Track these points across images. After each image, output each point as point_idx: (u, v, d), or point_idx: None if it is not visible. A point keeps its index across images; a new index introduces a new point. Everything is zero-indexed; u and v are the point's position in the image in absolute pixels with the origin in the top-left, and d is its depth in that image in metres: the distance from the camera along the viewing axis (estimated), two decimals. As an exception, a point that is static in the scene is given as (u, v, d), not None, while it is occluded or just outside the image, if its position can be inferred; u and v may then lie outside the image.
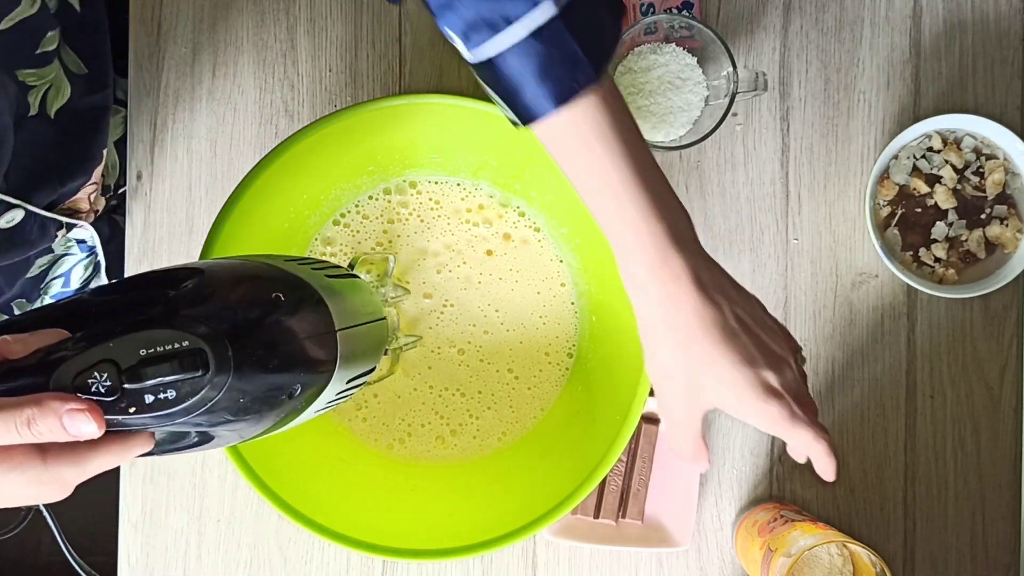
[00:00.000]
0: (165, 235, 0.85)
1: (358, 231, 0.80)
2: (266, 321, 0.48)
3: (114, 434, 0.45)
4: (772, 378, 0.56)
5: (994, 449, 0.84)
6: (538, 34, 0.50)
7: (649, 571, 0.84)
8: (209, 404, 0.45)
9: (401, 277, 0.80)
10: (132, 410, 0.44)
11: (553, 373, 0.81)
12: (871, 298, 0.85)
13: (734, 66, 0.77)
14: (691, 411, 0.58)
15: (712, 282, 0.55)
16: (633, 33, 0.80)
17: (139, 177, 0.86)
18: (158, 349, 0.44)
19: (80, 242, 0.84)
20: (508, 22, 0.50)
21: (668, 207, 0.54)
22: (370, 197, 0.80)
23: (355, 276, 0.63)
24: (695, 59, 0.81)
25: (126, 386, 0.43)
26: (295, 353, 0.50)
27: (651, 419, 0.84)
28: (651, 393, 0.72)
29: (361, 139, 0.74)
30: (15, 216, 0.72)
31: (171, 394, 0.44)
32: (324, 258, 0.67)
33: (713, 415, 0.84)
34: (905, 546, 0.84)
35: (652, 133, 0.81)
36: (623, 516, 0.83)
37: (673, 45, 0.81)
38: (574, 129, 0.53)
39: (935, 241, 0.84)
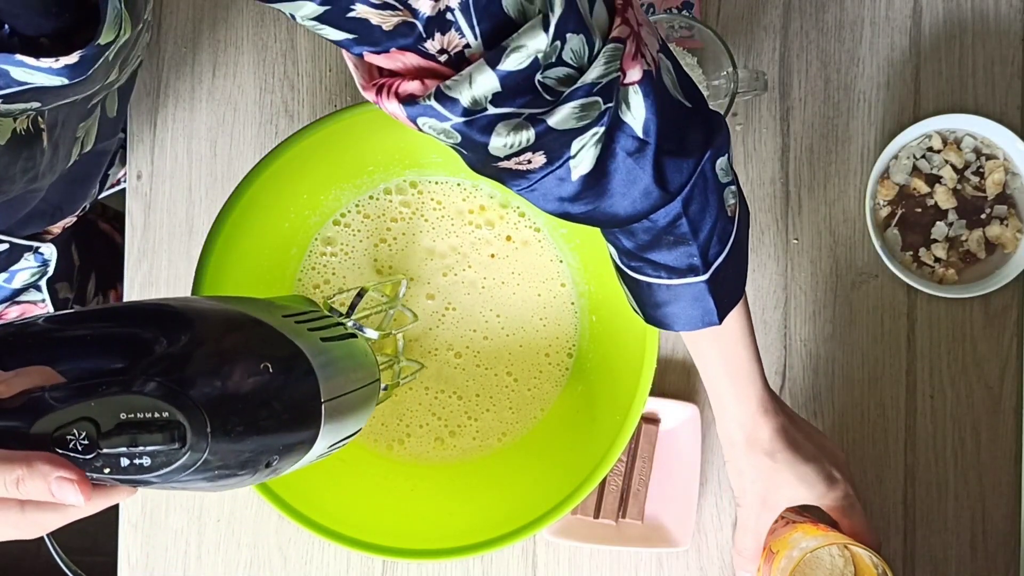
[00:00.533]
0: (165, 235, 0.85)
1: (359, 231, 0.80)
2: (250, 395, 0.48)
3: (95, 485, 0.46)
4: (834, 471, 0.69)
5: (994, 449, 0.84)
6: (686, 287, 0.60)
7: (649, 571, 0.83)
8: (183, 473, 0.45)
9: (415, 277, 0.80)
10: (107, 471, 0.44)
11: (553, 373, 0.81)
12: (871, 298, 0.85)
13: (734, 66, 0.77)
14: (765, 513, 0.70)
15: (780, 405, 0.69)
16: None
17: (139, 177, 0.86)
18: (138, 416, 0.44)
19: (38, 254, 0.83)
20: (670, 277, 0.60)
21: (760, 362, 0.67)
22: (371, 197, 0.80)
23: (352, 336, 0.62)
24: (695, 59, 0.81)
25: (103, 450, 0.44)
26: (276, 427, 0.50)
27: (651, 419, 0.84)
28: (651, 393, 0.72)
29: (361, 139, 0.74)
30: None
31: (146, 461, 0.44)
32: (330, 304, 0.65)
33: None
34: (905, 546, 0.84)
35: (652, 133, 0.81)
36: (623, 516, 0.83)
37: (673, 45, 0.81)
38: (696, 334, 0.64)
39: (935, 241, 0.84)
